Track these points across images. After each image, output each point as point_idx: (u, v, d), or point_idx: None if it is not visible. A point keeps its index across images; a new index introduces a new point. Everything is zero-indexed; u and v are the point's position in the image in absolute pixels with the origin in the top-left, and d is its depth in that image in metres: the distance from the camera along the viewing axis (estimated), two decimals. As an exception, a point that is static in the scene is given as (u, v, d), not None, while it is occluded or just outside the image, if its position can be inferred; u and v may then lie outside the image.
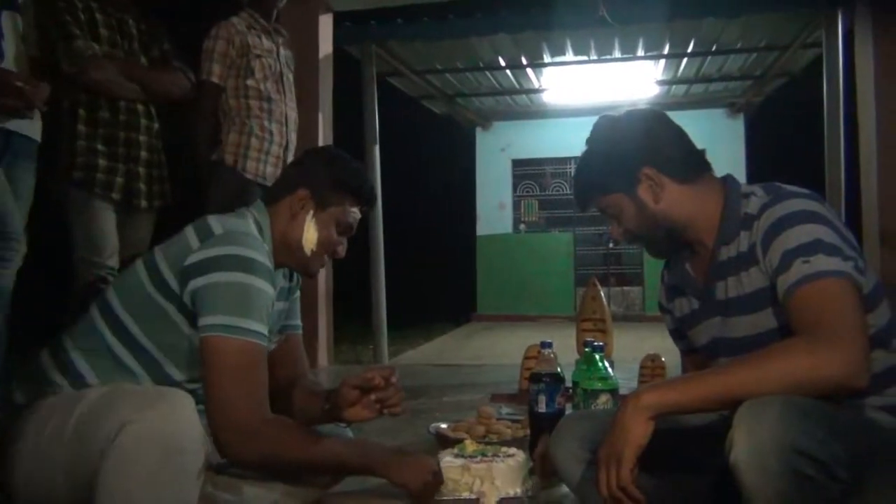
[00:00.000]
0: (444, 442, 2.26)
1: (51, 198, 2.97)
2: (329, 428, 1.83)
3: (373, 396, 1.79)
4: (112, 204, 2.99)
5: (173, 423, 1.36)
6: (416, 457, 1.72)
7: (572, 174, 1.65)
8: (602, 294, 3.61)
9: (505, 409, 2.90)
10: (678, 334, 1.75)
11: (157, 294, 1.61)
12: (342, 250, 1.85)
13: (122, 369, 1.61)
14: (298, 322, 1.99)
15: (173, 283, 1.60)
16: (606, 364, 2.28)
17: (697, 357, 1.69)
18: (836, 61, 5.65)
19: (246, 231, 1.67)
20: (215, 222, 1.67)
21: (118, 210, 3.02)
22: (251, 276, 1.57)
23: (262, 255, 1.62)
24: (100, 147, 2.97)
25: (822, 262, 1.32)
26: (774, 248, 1.38)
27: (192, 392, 1.53)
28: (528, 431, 2.22)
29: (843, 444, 1.17)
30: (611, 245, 10.46)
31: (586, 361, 2.29)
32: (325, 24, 5.50)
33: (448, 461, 1.89)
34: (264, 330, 1.60)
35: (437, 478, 1.72)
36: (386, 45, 6.85)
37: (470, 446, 1.96)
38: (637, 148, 1.54)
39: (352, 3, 5.86)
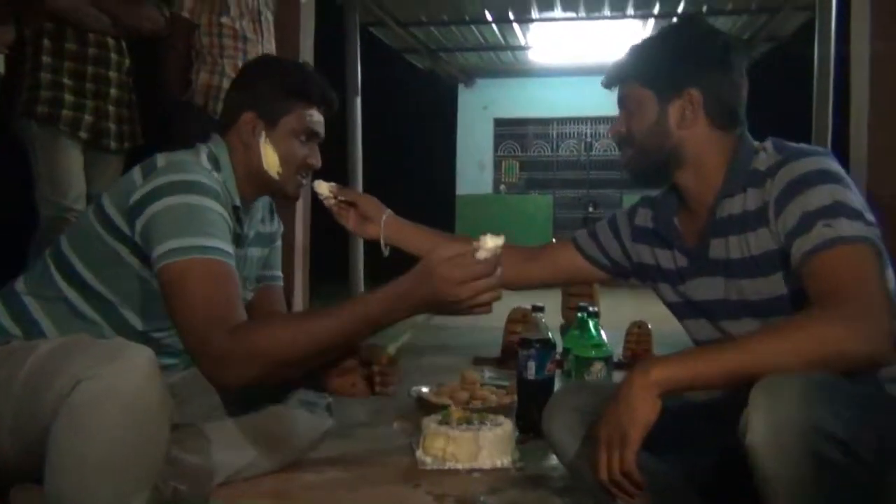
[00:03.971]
0: (427, 407, 2.16)
1: (11, 133, 2.81)
2: (309, 395, 1.74)
3: (375, 368, 1.69)
4: (79, 143, 2.85)
5: (133, 379, 1.21)
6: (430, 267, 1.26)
7: (628, 48, 1.48)
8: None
9: (488, 374, 2.79)
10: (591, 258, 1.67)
11: (106, 236, 1.48)
12: (314, 160, 1.68)
13: (79, 317, 1.50)
14: (279, 273, 1.86)
15: (121, 224, 1.46)
16: (601, 330, 2.19)
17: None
18: (829, 24, 5.54)
19: (192, 160, 1.53)
20: (160, 157, 1.53)
21: (85, 150, 2.88)
22: (198, 195, 1.43)
23: (208, 179, 1.48)
24: (66, 81, 2.82)
25: (844, 227, 1.21)
26: (791, 209, 1.27)
27: (156, 341, 1.43)
28: (515, 398, 2.13)
29: (867, 423, 1.07)
30: (590, 209, 10.43)
31: (579, 327, 2.20)
32: (308, -33, 5.27)
33: (433, 429, 1.79)
34: (225, 246, 1.42)
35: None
36: (370, -7, 6.66)
37: (455, 413, 1.86)
38: (703, 66, 1.41)
39: (336, -53, 5.69)
